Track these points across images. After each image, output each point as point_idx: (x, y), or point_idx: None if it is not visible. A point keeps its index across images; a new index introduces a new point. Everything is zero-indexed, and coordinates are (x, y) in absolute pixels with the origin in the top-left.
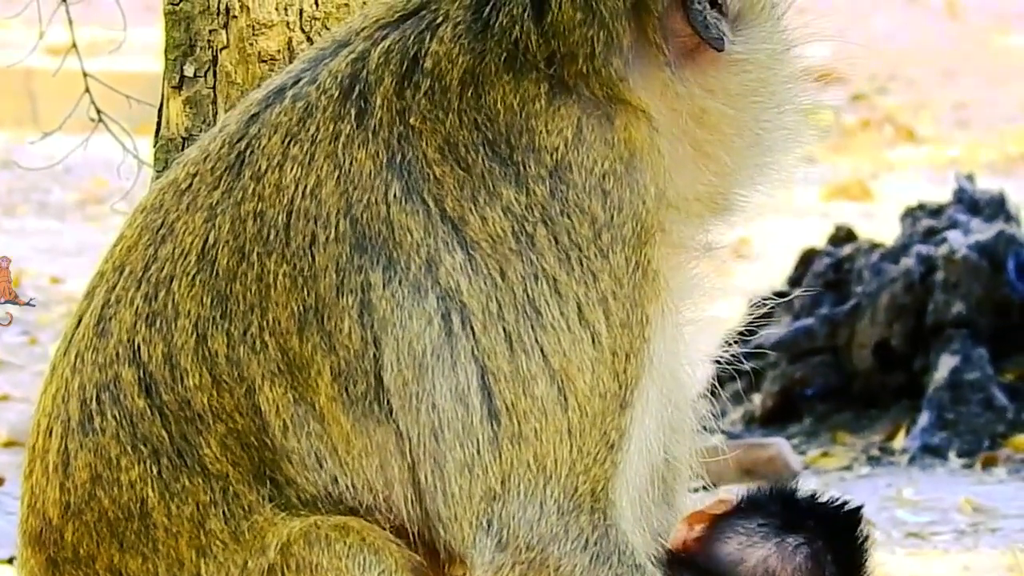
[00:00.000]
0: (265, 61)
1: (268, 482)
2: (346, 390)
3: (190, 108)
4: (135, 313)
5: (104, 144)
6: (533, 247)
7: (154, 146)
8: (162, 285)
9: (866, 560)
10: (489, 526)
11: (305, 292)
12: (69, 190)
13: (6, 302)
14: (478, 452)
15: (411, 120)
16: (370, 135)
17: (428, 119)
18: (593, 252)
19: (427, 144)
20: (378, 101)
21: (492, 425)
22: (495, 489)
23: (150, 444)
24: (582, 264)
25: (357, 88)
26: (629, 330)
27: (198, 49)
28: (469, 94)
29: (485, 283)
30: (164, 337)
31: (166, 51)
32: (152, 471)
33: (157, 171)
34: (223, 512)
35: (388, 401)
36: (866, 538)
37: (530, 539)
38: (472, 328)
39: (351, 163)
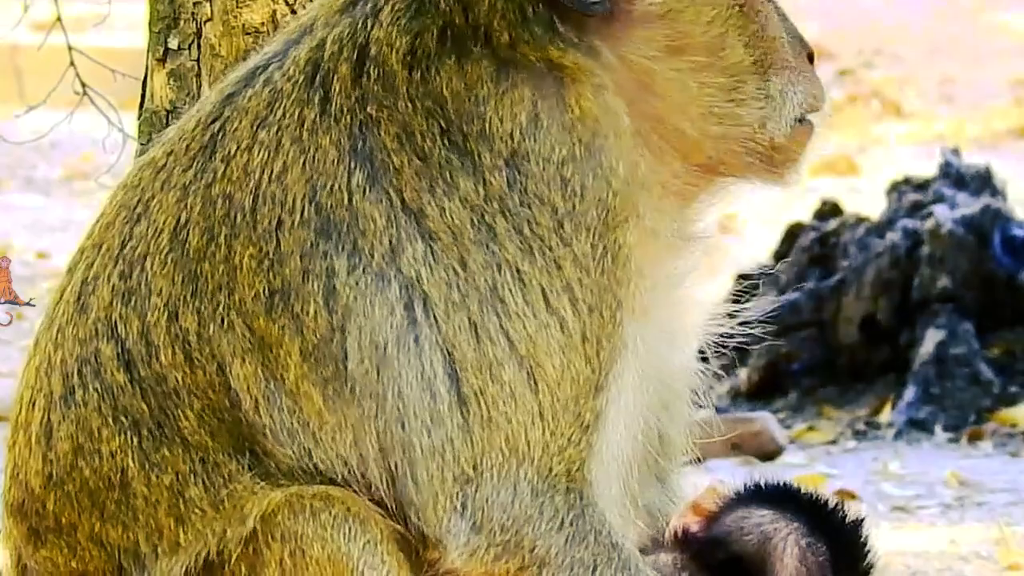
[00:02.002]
0: (249, 33)
1: (247, 453)
2: (316, 370)
3: (174, 81)
4: (112, 290)
5: (90, 119)
6: (494, 238)
7: (139, 119)
8: (136, 263)
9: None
10: (463, 509)
11: (271, 275)
12: (55, 165)
13: (6, 302)
14: (448, 438)
15: (368, 109)
16: (332, 122)
17: (384, 107)
18: (555, 242)
19: (384, 133)
20: (337, 88)
21: (461, 411)
22: (468, 473)
23: (130, 416)
24: (544, 254)
25: (318, 76)
26: (599, 315)
27: (182, 21)
28: (416, 79)
29: (446, 273)
30: (139, 314)
31: (150, 24)
32: (132, 442)
33: (142, 144)
34: (202, 481)
35: (354, 387)
36: (870, 551)
37: (505, 521)
38: (435, 317)
39: (316, 150)
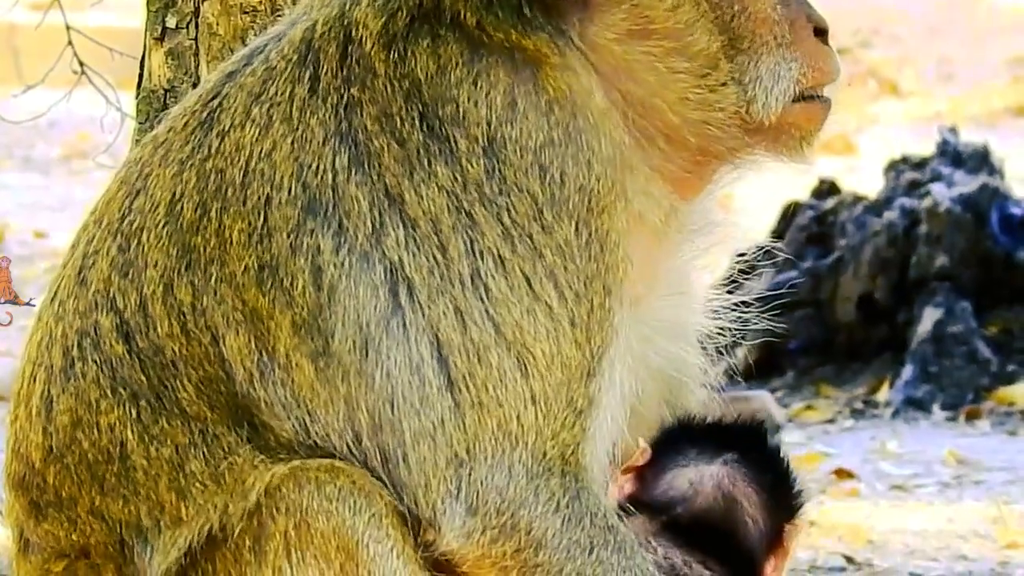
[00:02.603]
0: (247, 12)
1: (246, 424)
2: (306, 343)
3: (172, 60)
4: (111, 263)
5: (87, 99)
6: (473, 225)
7: (136, 98)
8: (134, 236)
9: (787, 465)
10: (458, 492)
11: (260, 249)
12: (53, 145)
13: (6, 302)
14: (440, 421)
15: (352, 90)
16: (320, 102)
17: (366, 88)
18: (536, 230)
19: (366, 115)
20: (325, 69)
21: (453, 394)
22: (462, 456)
23: (129, 388)
24: (524, 242)
25: (309, 55)
26: (588, 301)
27: (180, 1)
28: (393, 60)
29: (427, 259)
30: (136, 287)
31: (148, 3)
32: (131, 414)
33: (140, 123)
34: (202, 454)
35: (342, 362)
36: (778, 448)
37: (500, 504)
38: (420, 302)
39: (304, 129)
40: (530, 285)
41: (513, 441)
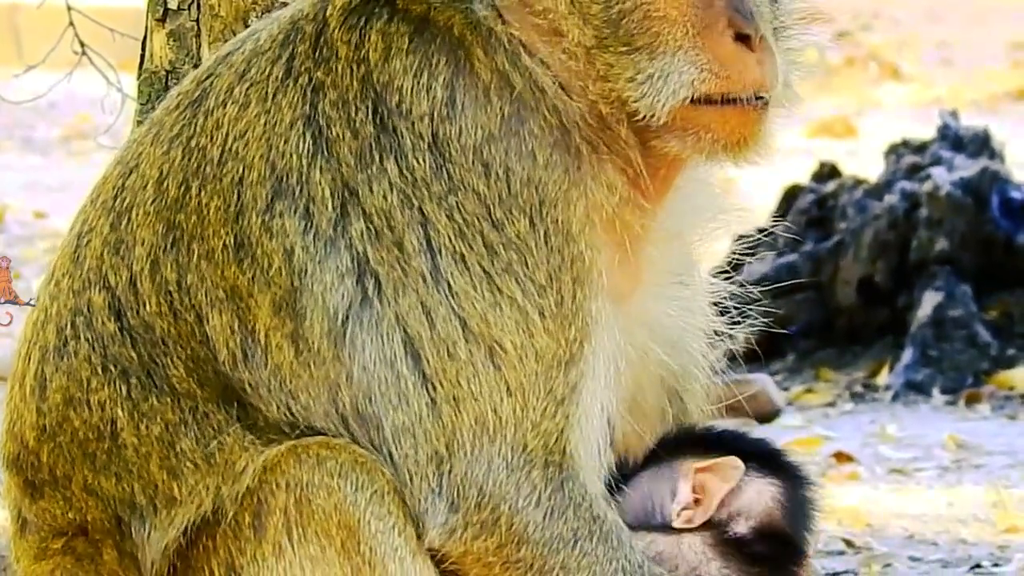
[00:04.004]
0: None
1: (235, 403)
2: (285, 323)
3: (174, 41)
4: (103, 241)
5: (88, 80)
6: (427, 222)
7: (138, 79)
8: (124, 213)
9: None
10: (439, 489)
11: (236, 227)
12: (53, 126)
13: (6, 302)
14: (418, 417)
15: (319, 72)
16: (292, 82)
17: (330, 71)
18: (487, 227)
19: (328, 100)
20: (301, 49)
21: (428, 390)
22: (441, 452)
23: (120, 365)
24: (478, 239)
25: (292, 34)
26: (554, 293)
27: None
28: (353, 42)
29: (387, 253)
30: (127, 264)
31: None
32: (121, 391)
33: (141, 104)
34: (193, 432)
35: (317, 348)
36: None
37: (481, 500)
38: (387, 295)
39: (275, 110)
40: (491, 280)
41: (492, 434)
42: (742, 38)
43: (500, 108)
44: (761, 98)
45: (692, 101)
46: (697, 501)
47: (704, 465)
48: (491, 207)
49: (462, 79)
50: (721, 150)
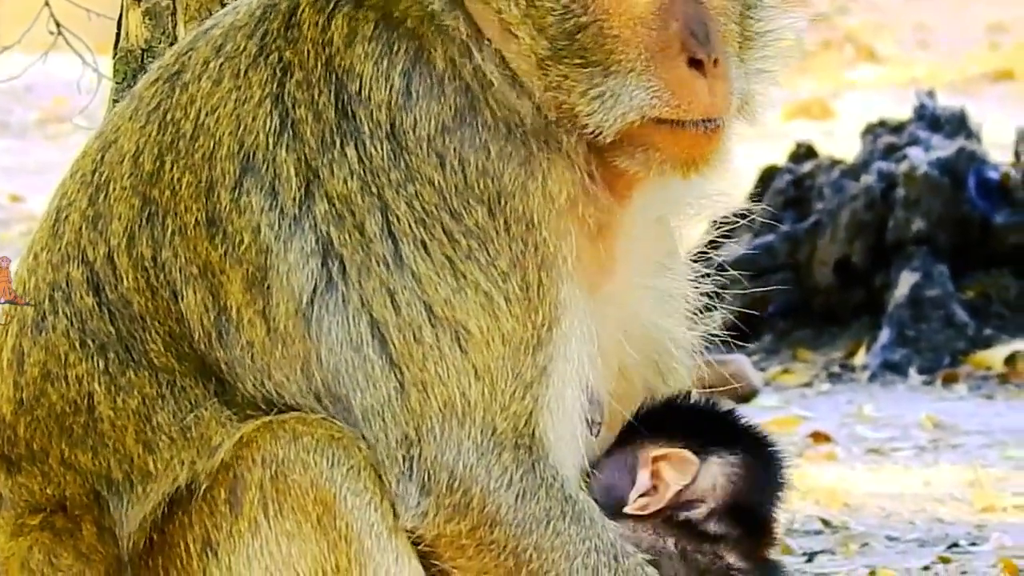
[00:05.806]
0: None
1: (213, 379)
2: (257, 300)
3: (149, 20)
4: (81, 215)
5: (64, 63)
6: (387, 209)
7: (114, 58)
8: (102, 188)
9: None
10: (411, 472)
11: (208, 203)
12: (30, 109)
13: (6, 302)
14: (387, 400)
15: (287, 52)
16: (263, 60)
17: (297, 51)
18: (445, 217)
19: (293, 80)
20: (274, 27)
21: (396, 374)
22: (411, 436)
23: (98, 340)
24: (437, 227)
25: (268, 12)
26: (518, 279)
27: None
28: (320, 24)
29: (349, 236)
30: (105, 239)
31: None
32: (99, 366)
33: (117, 83)
34: (170, 406)
35: (284, 326)
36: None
37: (452, 482)
38: (351, 279)
39: (246, 86)
40: (453, 266)
41: (461, 418)
42: (695, 63)
43: (454, 99)
44: (712, 121)
45: (641, 123)
46: (656, 487)
47: (660, 454)
48: (448, 197)
49: (419, 68)
50: (670, 169)
